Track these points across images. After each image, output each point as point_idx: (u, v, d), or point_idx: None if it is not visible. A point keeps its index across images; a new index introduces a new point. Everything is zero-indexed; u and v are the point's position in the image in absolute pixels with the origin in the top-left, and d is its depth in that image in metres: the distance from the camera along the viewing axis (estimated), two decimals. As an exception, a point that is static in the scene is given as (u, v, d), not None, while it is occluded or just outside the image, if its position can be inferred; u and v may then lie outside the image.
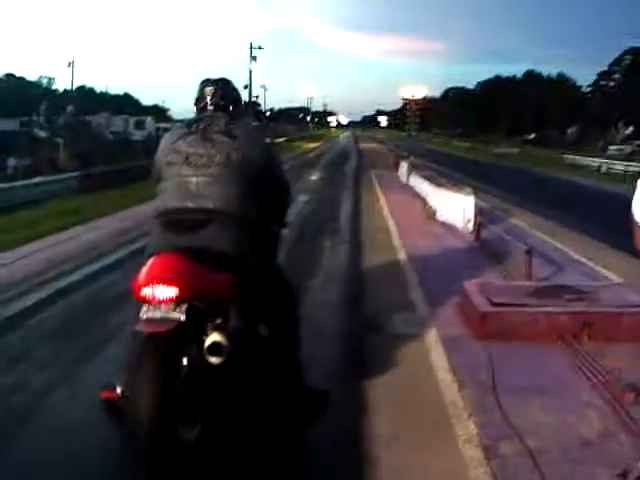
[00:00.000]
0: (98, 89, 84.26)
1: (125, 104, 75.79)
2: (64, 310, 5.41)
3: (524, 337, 4.42)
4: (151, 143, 31.33)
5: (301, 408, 3.19)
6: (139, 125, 42.72)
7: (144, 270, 2.56)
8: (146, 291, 2.48)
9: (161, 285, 2.46)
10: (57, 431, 3.26)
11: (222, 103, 3.08)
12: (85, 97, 63.21)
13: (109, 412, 3.02)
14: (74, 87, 51.68)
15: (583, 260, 7.48)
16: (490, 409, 3.44)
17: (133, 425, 2.37)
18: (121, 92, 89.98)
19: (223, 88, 3.15)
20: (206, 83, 3.15)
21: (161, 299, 2.47)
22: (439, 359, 4.19)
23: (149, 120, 45.68)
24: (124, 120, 43.89)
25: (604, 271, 6.83)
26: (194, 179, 2.84)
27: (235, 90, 3.25)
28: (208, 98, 3.08)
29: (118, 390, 2.93)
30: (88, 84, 78.49)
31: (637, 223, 1.24)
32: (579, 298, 4.83)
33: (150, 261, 2.61)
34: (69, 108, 26.69)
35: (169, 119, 66.98)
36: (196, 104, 3.16)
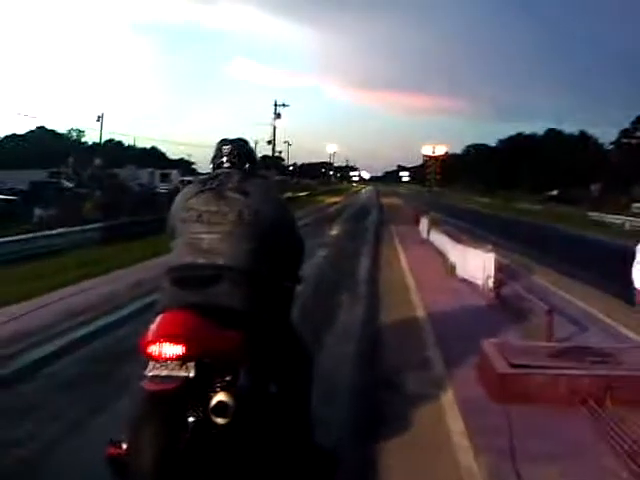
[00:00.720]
0: (126, 142, 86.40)
1: (152, 157, 77.64)
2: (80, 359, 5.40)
3: (544, 400, 4.27)
4: (175, 195, 31.96)
5: (310, 468, 3.09)
6: (164, 178, 43.63)
7: (152, 327, 2.54)
8: (153, 348, 2.44)
9: (168, 343, 2.43)
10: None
11: (237, 161, 3.12)
12: (113, 150, 64.92)
13: (114, 468, 2.97)
14: (103, 140, 53.29)
15: (606, 320, 7.30)
16: (507, 477, 3.29)
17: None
18: (148, 145, 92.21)
19: (239, 147, 3.21)
20: (223, 142, 3.22)
21: (167, 356, 2.43)
22: (455, 422, 4.05)
23: (174, 173, 46.67)
24: (150, 173, 44.87)
25: (626, 331, 6.65)
26: (206, 236, 2.84)
27: (251, 149, 3.32)
28: (225, 157, 3.14)
29: (124, 446, 2.89)
30: (117, 137, 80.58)
31: (638, 290, 1.21)
32: (602, 360, 4.68)
33: (158, 318, 2.59)
34: (97, 160, 27.34)
35: (194, 172, 68.32)
36: (213, 162, 3.21)
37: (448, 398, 4.49)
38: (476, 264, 9.64)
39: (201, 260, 2.81)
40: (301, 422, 3.10)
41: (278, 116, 62.32)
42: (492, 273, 9.06)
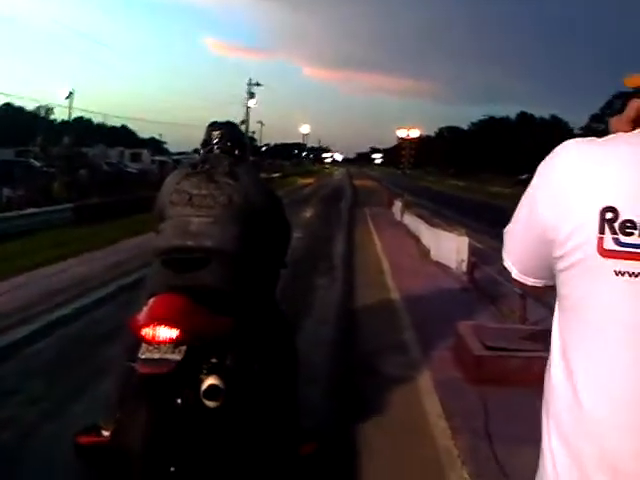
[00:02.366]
0: (95, 120, 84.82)
1: (122, 136, 76.34)
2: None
3: (518, 382, 4.35)
4: (146, 175, 31.52)
5: (294, 449, 3.14)
6: (135, 158, 42.91)
7: (145, 310, 2.57)
8: (146, 331, 2.47)
9: (162, 326, 2.46)
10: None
11: (228, 146, 3.17)
12: (82, 128, 63.64)
13: (90, 457, 2.99)
14: (72, 118, 52.20)
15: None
16: (484, 457, 3.37)
17: (125, 464, 2.37)
18: (118, 124, 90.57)
19: (230, 132, 3.26)
20: (213, 126, 3.27)
21: (161, 339, 2.47)
22: (432, 404, 4.12)
23: (145, 153, 45.90)
24: (120, 152, 44.08)
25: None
26: (196, 219, 2.86)
27: (241, 134, 3.41)
28: (215, 141, 3.18)
29: (105, 433, 2.90)
30: (86, 115, 78.96)
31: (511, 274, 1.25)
32: (574, 343, 4.78)
33: (151, 301, 2.61)
34: (65, 139, 26.67)
35: (165, 152, 67.42)
36: (203, 146, 3.26)
37: (425, 380, 4.56)
38: (450, 247, 9.74)
39: (190, 243, 2.83)
40: (288, 402, 3.16)
41: (251, 96, 61.95)
42: (465, 257, 9.17)
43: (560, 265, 1.05)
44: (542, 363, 4.11)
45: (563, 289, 1.06)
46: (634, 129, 1.08)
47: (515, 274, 1.21)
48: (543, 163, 1.12)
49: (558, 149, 1.10)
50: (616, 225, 0.97)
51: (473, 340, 4.80)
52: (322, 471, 3.23)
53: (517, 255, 1.20)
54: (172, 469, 2.42)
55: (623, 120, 1.09)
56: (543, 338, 4.98)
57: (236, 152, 3.20)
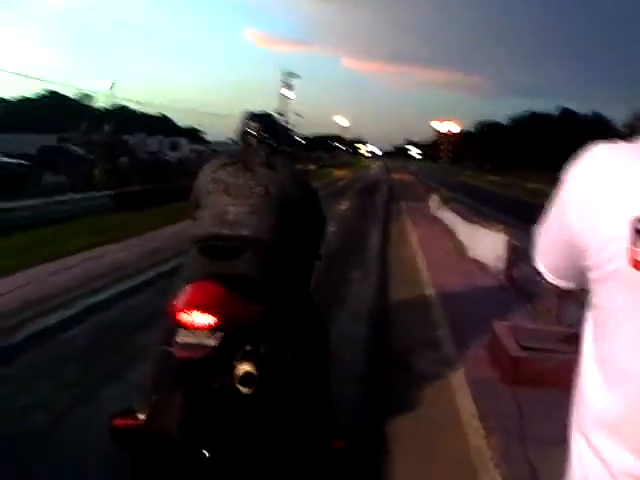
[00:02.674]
0: (137, 109, 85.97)
1: (162, 125, 77.32)
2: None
3: (555, 384, 4.28)
4: (185, 164, 31.90)
5: (325, 443, 3.16)
6: (174, 146, 43.51)
7: (183, 295, 2.63)
8: (184, 316, 2.54)
9: (200, 312, 2.52)
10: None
11: (264, 137, 3.19)
12: (123, 117, 64.63)
13: (124, 440, 3.05)
14: (114, 107, 53.04)
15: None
16: (517, 459, 3.32)
17: (160, 447, 2.43)
18: (158, 113, 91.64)
19: (266, 123, 3.29)
20: (251, 117, 3.29)
21: (198, 325, 2.53)
22: (466, 403, 4.08)
23: (184, 142, 46.48)
24: (159, 141, 44.73)
25: None
26: (232, 208, 2.91)
27: (278, 124, 3.41)
28: (252, 131, 3.20)
29: (140, 416, 2.96)
30: (127, 104, 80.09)
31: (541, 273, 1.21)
32: (613, 346, 4.67)
33: (189, 287, 2.68)
34: (106, 127, 27.18)
35: (203, 141, 68.06)
36: (240, 136, 3.28)
37: (459, 379, 4.51)
38: (487, 244, 9.60)
39: (226, 231, 2.88)
40: (320, 394, 3.18)
41: (289, 87, 62.01)
42: (503, 254, 9.03)
43: (593, 276, 1.03)
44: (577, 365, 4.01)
45: (596, 299, 1.04)
46: None
47: (547, 276, 1.20)
48: (569, 168, 1.09)
49: (584, 154, 1.07)
50: None
51: (509, 340, 4.73)
52: (352, 467, 3.23)
53: (548, 259, 1.19)
54: (206, 453, 2.47)
55: None
56: (579, 340, 4.89)
57: (273, 143, 3.22)
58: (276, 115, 3.54)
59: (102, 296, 6.60)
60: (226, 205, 2.92)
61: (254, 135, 3.20)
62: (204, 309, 2.53)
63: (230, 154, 3.16)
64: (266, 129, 3.23)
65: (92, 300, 6.39)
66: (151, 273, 7.90)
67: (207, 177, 3.06)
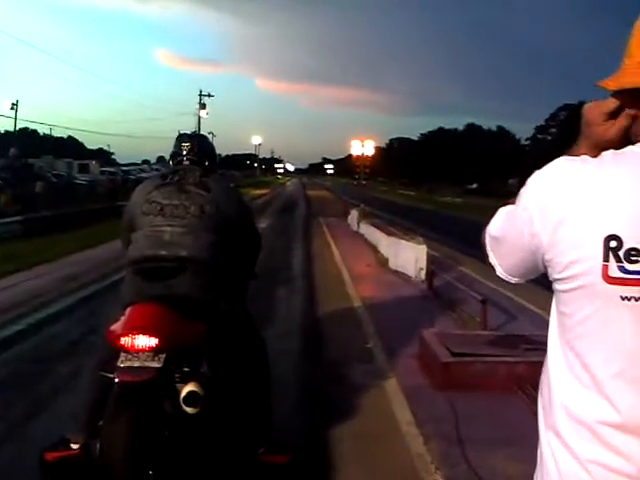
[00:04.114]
0: (41, 131, 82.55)
1: (69, 147, 74.49)
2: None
3: (485, 387, 4.44)
4: (96, 187, 30.83)
5: (268, 459, 3.15)
6: (83, 169, 41.94)
7: (123, 319, 2.60)
8: (125, 340, 2.50)
9: (141, 335, 2.49)
10: None
11: (197, 157, 3.21)
12: (28, 139, 61.92)
13: (57, 473, 2.97)
14: (16, 129, 50.64)
15: (529, 306, 7.63)
16: (457, 462, 3.41)
17: (107, 471, 2.40)
18: (65, 135, 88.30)
19: (199, 143, 3.31)
20: (183, 138, 3.31)
21: (140, 348, 2.50)
22: (402, 411, 4.15)
23: (93, 163, 44.90)
24: (68, 163, 43.00)
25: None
26: (168, 228, 2.89)
27: (210, 145, 3.47)
28: (184, 152, 3.21)
29: (74, 446, 2.88)
30: (32, 126, 76.70)
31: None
32: (536, 348, 4.90)
33: (129, 310, 2.65)
34: (12, 150, 25.88)
35: (114, 163, 66.17)
36: (172, 158, 3.30)
37: (393, 387, 4.59)
38: (408, 256, 9.86)
39: (163, 252, 2.85)
40: (260, 411, 3.19)
41: (203, 106, 61.57)
42: (424, 265, 9.31)
43: (561, 287, 1.08)
44: (506, 367, 4.26)
45: (564, 307, 1.09)
46: (606, 121, 1.11)
47: (499, 272, 1.26)
48: (535, 181, 1.12)
49: (551, 169, 1.10)
50: (621, 253, 0.99)
51: (439, 347, 4.86)
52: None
53: (504, 259, 1.24)
54: (150, 473, 2.45)
55: (601, 108, 1.12)
56: (506, 343, 5.10)
57: (206, 163, 3.24)
58: (211, 141, 3.59)
59: (18, 327, 6.26)
60: (162, 226, 2.90)
61: (187, 156, 3.20)
62: (145, 331, 2.50)
63: (163, 175, 3.15)
64: (199, 150, 3.24)
65: (7, 332, 6.05)
66: (69, 300, 7.58)
67: (141, 199, 3.01)
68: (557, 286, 1.09)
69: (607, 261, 0.99)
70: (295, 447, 3.31)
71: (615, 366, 1.02)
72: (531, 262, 1.14)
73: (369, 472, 3.35)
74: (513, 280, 1.26)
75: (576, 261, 1.03)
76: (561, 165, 1.10)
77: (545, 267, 1.12)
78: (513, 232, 1.16)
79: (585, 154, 1.10)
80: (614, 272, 0.99)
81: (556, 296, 1.11)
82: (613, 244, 0.99)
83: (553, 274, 1.09)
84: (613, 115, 1.11)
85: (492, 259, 1.26)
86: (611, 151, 1.08)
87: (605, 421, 1.02)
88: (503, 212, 1.23)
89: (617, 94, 1.10)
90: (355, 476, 3.31)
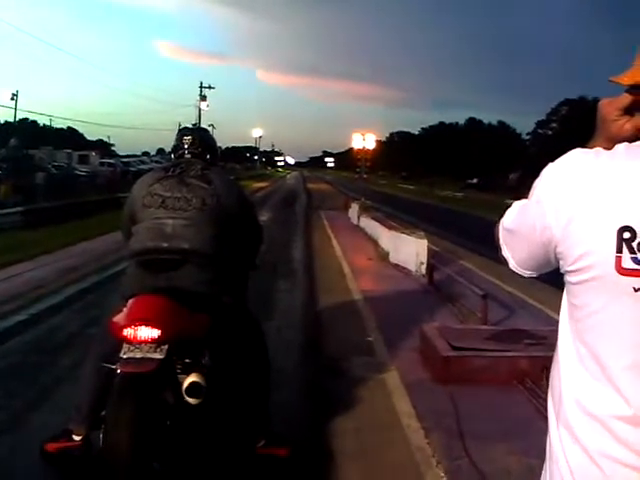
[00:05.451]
0: (41, 122, 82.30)
1: (69, 138, 74.28)
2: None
3: (485, 381, 4.46)
4: (95, 178, 30.77)
5: (268, 452, 3.18)
6: (83, 160, 41.85)
7: (125, 311, 2.62)
8: (128, 332, 2.52)
9: (144, 326, 2.51)
10: None
11: (199, 151, 3.21)
12: (28, 130, 61.74)
13: (59, 463, 2.99)
14: (16, 120, 50.52)
15: (530, 301, 7.64)
16: (458, 455, 3.42)
17: (110, 462, 2.41)
18: (65, 126, 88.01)
19: (200, 137, 3.32)
20: (184, 132, 3.33)
21: (143, 339, 2.51)
22: (403, 404, 4.16)
23: (93, 155, 44.81)
24: (67, 154, 42.91)
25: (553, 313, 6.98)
26: (170, 221, 2.89)
27: (211, 139, 3.48)
28: (186, 146, 3.22)
29: (76, 437, 2.91)
30: (32, 117, 76.46)
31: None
32: (537, 342, 4.91)
33: (131, 302, 2.66)
34: (12, 141, 25.84)
35: (113, 154, 66.00)
36: (174, 151, 3.30)
37: (394, 381, 4.60)
38: (408, 250, 9.86)
39: (165, 244, 2.86)
40: (260, 403, 3.21)
41: (203, 98, 61.37)
42: (424, 259, 9.31)
43: (573, 279, 1.08)
44: (507, 362, 4.26)
45: (575, 299, 1.09)
46: (621, 116, 1.11)
47: (512, 265, 1.26)
48: (548, 173, 1.12)
49: (565, 161, 1.11)
50: (634, 244, 0.99)
51: (439, 341, 4.87)
52: (298, 475, 3.23)
53: (517, 252, 1.24)
54: (156, 466, 2.49)
55: (616, 104, 1.12)
56: (506, 338, 5.11)
57: (207, 156, 3.25)
58: (212, 134, 3.59)
59: (20, 317, 6.26)
60: (163, 218, 2.90)
61: (188, 149, 3.21)
62: (148, 323, 2.51)
63: (165, 168, 3.15)
64: (200, 143, 3.25)
65: (8, 323, 6.05)
66: (70, 290, 7.59)
67: (143, 191, 3.02)
68: (569, 278, 1.09)
69: (620, 252, 1.00)
70: (295, 440, 3.33)
71: (627, 358, 1.02)
72: (543, 255, 1.14)
73: (370, 465, 3.36)
74: (526, 274, 1.25)
75: (589, 253, 1.03)
76: (574, 157, 1.10)
77: (557, 260, 1.12)
78: (526, 225, 1.16)
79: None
80: (627, 263, 0.99)
81: (567, 288, 1.11)
82: (627, 235, 0.99)
83: (565, 266, 1.09)
84: (628, 111, 1.11)
85: (505, 252, 1.26)
86: (624, 143, 1.08)
87: (616, 414, 1.02)
88: (517, 205, 1.23)
89: (631, 89, 1.10)
90: (356, 469, 3.32)
